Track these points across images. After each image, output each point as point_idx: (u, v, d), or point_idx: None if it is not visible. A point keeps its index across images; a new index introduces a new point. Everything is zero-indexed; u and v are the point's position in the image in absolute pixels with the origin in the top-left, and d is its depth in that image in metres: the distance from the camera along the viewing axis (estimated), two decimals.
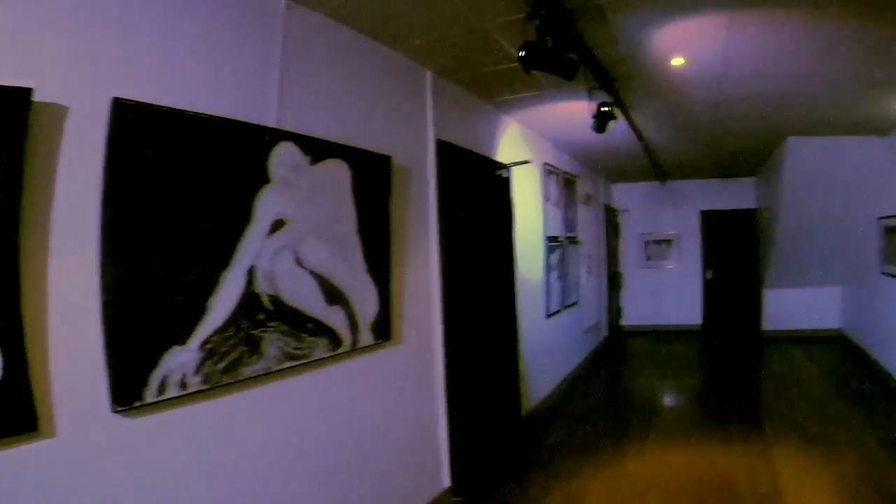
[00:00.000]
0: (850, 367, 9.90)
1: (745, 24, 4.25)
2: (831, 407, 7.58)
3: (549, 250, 7.83)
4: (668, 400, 8.42)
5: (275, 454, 3.13)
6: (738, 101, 6.32)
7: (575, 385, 8.78)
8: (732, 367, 10.46)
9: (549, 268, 7.77)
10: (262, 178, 2.97)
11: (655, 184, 13.34)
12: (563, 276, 8.49)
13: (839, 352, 11.11)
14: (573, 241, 9.22)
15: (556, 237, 8.25)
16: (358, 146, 3.76)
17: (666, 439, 6.39)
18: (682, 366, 10.56)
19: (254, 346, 2.88)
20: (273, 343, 3.00)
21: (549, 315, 7.81)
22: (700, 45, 4.66)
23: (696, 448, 6.11)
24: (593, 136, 5.98)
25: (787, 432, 6.51)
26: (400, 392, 4.32)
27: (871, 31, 4.40)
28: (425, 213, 4.69)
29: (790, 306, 12.57)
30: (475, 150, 5.66)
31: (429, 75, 4.87)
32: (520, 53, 3.70)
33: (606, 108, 5.58)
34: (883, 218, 8.89)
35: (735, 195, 13.25)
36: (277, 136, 3.10)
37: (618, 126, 6.41)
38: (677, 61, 5.00)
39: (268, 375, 2.99)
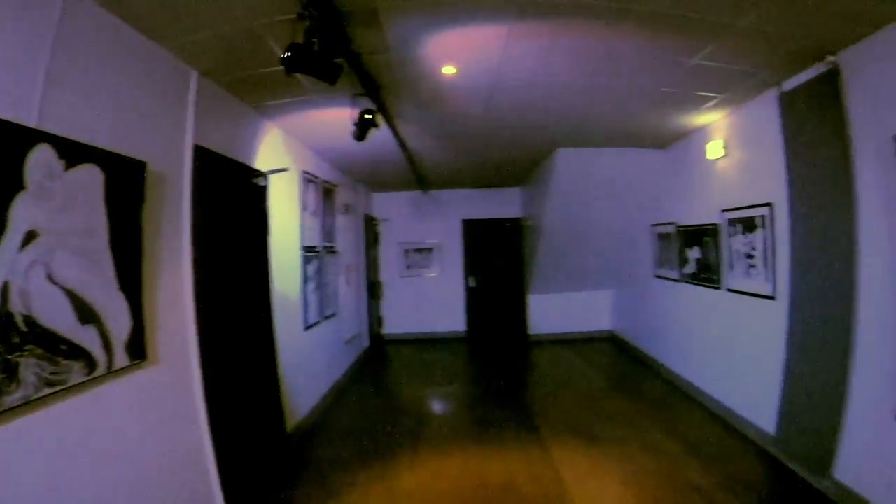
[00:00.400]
0: (625, 365, 10.82)
1: (525, 35, 4.49)
2: (610, 404, 8.21)
3: (306, 261, 7.89)
4: (438, 408, 8.73)
5: (53, 491, 3.00)
6: (510, 111, 6.66)
7: (340, 397, 8.92)
8: (501, 371, 10.99)
9: (306, 279, 7.83)
10: (18, 184, 2.83)
11: (418, 193, 13.90)
12: (320, 287, 8.58)
13: (612, 351, 12.10)
14: (331, 251, 9.34)
15: (314, 247, 8.33)
16: (114, 150, 3.64)
17: (440, 448, 6.64)
18: (449, 373, 10.98)
19: (11, 373, 2.74)
20: (30, 368, 2.86)
21: (308, 327, 7.87)
22: (475, 54, 4.87)
23: (471, 455, 6.37)
24: (356, 144, 6.14)
25: (565, 432, 6.96)
26: (162, 415, 4.22)
27: (656, 48, 4.81)
28: (179, 223, 4.59)
29: (559, 310, 13.66)
30: (234, 156, 5.63)
31: (194, 76, 4.80)
32: (284, 55, 3.75)
33: (368, 116, 5.72)
34: (656, 225, 9.87)
35: (499, 204, 14.15)
36: (36, 137, 2.97)
37: (381, 134, 6.65)
38: (448, 70, 5.21)
39: (29, 405, 2.85)
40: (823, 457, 5.20)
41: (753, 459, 6.08)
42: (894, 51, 4.40)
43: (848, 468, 5.01)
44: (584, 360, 11.54)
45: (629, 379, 9.90)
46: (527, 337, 13.93)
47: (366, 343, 12.46)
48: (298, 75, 4.18)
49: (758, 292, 6.64)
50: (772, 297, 6.34)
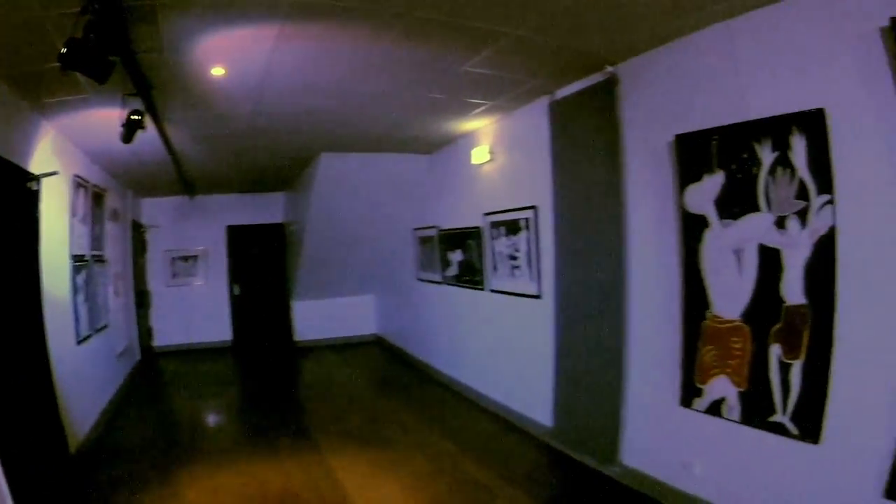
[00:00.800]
0: (394, 369, 10.70)
1: (294, 38, 4.27)
2: (382, 408, 8.07)
3: (76, 270, 7.11)
4: (214, 420, 8.25)
5: None
6: (276, 115, 6.39)
7: (117, 415, 8.11)
8: (271, 380, 10.60)
9: (76, 289, 7.09)
10: None
11: (184, 198, 12.98)
12: (90, 298, 7.85)
13: (380, 355, 11.96)
14: (100, 259, 8.52)
15: (83, 256, 7.57)
16: None
17: (219, 462, 6.21)
18: (221, 384, 10.42)
19: None
20: None
21: (80, 341, 7.06)
22: (244, 55, 4.62)
23: (250, 467, 6.01)
24: (125, 147, 5.70)
25: (340, 438, 6.74)
26: None
27: (426, 54, 4.68)
28: None
29: (324, 316, 13.30)
30: (9, 157, 4.93)
31: None
32: (62, 50, 3.36)
33: (136, 117, 5.28)
34: (418, 229, 9.81)
35: (263, 210, 13.60)
36: None
37: (150, 137, 6.22)
38: (218, 71, 4.90)
39: None
40: (608, 444, 5.31)
41: (535, 453, 6.14)
42: (673, 65, 4.61)
43: (636, 453, 5.14)
44: (353, 365, 11.39)
45: (399, 382, 9.81)
46: (293, 344, 13.50)
47: (137, 356, 11.48)
48: (75, 73, 3.80)
49: (523, 292, 6.74)
50: (537, 296, 6.45)
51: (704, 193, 4.33)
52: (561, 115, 5.85)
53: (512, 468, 5.73)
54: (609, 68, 5.11)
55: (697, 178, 4.37)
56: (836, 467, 3.58)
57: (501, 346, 7.40)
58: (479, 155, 7.54)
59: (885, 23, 3.15)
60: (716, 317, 4.30)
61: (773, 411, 3.88)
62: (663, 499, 4.79)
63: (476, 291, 7.99)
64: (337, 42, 4.43)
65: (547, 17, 4.03)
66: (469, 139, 7.91)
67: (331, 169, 9.16)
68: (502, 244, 7.18)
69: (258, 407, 8.81)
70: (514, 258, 6.94)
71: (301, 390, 10.15)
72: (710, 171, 4.26)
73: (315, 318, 13.49)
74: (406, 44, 4.47)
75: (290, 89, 5.59)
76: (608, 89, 5.16)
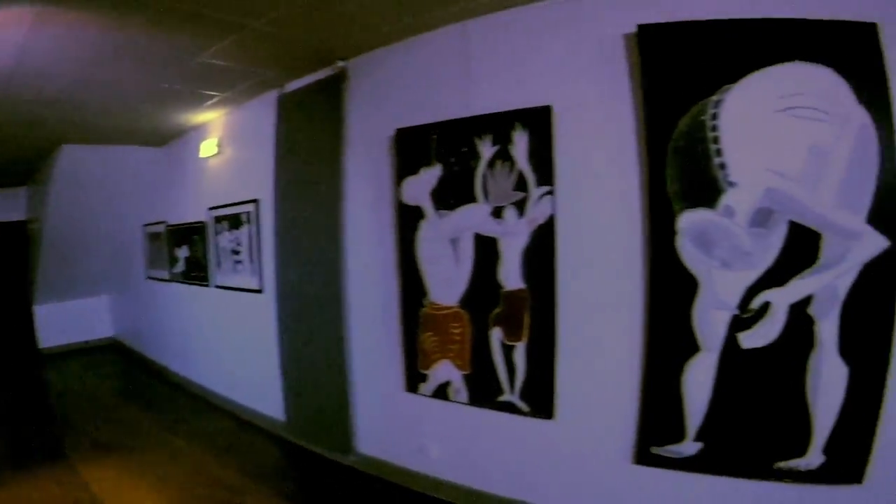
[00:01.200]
0: (133, 373, 9.28)
1: (53, 22, 3.55)
2: (125, 413, 6.97)
3: None
4: None
5: None
6: (24, 102, 5.31)
7: None
8: (18, 392, 8.72)
9: None
10: None
11: None
12: None
13: (117, 359, 10.34)
14: None
15: None
16: None
17: None
18: None
19: None
20: None
21: None
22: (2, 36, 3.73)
23: (8, 490, 4.91)
24: None
25: (91, 449, 5.72)
26: None
27: (166, 43, 4.05)
28: None
29: (64, 320, 11.07)
30: None
31: None
32: None
33: None
34: (147, 225, 8.60)
35: (8, 206, 11.06)
36: None
37: None
38: None
39: None
40: (342, 434, 4.83)
41: (272, 448, 5.55)
42: (403, 62, 4.24)
43: (370, 440, 4.73)
44: (95, 371, 9.64)
45: (139, 387, 8.51)
46: (38, 351, 11.04)
47: None
48: None
49: (246, 287, 6.09)
50: (259, 291, 5.85)
51: (421, 186, 4.01)
52: (288, 109, 5.25)
53: (253, 465, 5.13)
54: (340, 63, 4.61)
55: (415, 171, 4.04)
56: (578, 440, 3.43)
57: (230, 344, 6.62)
58: (208, 148, 6.65)
59: (632, 29, 3.00)
60: (434, 304, 4.00)
61: (500, 391, 3.67)
62: (405, 483, 4.41)
63: (202, 288, 7.11)
64: (85, 27, 3.70)
65: (286, 11, 3.56)
66: (200, 132, 6.95)
67: (69, 162, 7.69)
68: (225, 239, 6.43)
69: (10, 424, 7.12)
70: (236, 252, 6.23)
71: (49, 402, 8.33)
72: (428, 164, 3.95)
73: (56, 322, 11.13)
74: (149, 31, 3.80)
75: (41, 75, 4.61)
76: (336, 84, 4.64)
